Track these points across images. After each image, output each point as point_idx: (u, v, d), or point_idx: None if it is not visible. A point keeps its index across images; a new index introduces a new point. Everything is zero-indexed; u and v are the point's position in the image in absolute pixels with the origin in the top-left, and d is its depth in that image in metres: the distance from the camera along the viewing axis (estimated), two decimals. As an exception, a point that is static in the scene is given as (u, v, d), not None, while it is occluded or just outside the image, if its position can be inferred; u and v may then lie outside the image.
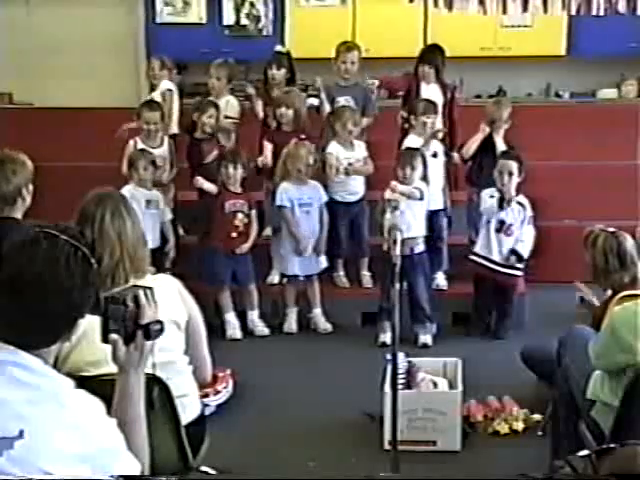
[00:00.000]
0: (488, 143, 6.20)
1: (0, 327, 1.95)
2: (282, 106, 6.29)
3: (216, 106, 6.50)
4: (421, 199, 5.80)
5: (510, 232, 5.77)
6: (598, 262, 3.87)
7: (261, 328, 6.02)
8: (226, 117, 6.71)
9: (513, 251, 5.76)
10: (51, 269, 1.94)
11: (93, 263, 2.02)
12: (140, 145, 6.32)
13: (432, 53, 6.72)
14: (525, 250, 5.81)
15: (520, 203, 5.78)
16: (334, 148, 6.24)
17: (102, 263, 2.63)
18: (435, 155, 6.19)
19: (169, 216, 6.15)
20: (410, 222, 5.67)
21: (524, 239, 5.79)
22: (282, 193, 5.99)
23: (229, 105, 6.84)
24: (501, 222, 5.78)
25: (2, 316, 1.95)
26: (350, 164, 6.19)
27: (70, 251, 1.97)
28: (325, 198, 6.09)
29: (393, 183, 5.80)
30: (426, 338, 5.73)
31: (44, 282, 1.93)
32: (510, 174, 5.71)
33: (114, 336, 2.12)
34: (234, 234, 5.96)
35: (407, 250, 5.50)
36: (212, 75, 6.80)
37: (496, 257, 5.79)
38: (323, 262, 6.10)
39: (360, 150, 6.30)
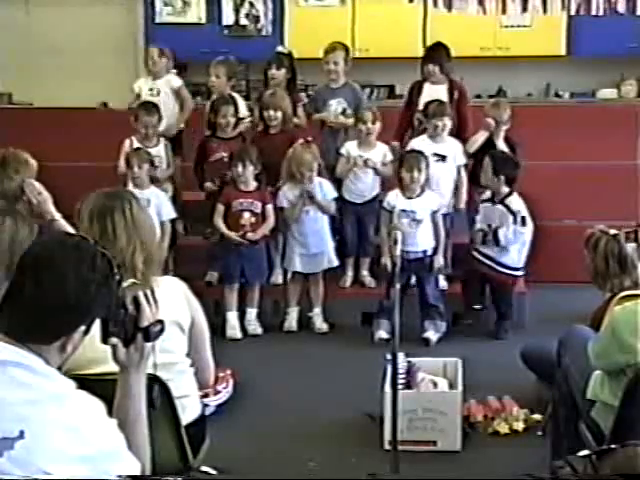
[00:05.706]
0: (490, 144, 6.21)
1: (3, 314, 1.97)
2: (270, 109, 6.20)
3: (232, 102, 6.40)
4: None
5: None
6: (598, 266, 3.86)
7: (254, 327, 5.99)
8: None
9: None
10: (76, 260, 1.98)
11: (116, 272, 2.05)
12: (136, 144, 6.31)
13: (436, 51, 6.67)
14: (521, 253, 5.84)
15: (506, 205, 5.79)
16: (347, 148, 6.22)
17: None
18: (444, 159, 6.17)
19: (169, 215, 6.02)
20: (423, 236, 5.76)
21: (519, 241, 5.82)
22: (283, 195, 5.97)
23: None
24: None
25: (12, 302, 1.96)
26: (366, 160, 6.11)
27: (96, 251, 2.03)
28: (331, 195, 6.00)
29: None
30: (431, 334, 5.71)
31: (65, 270, 1.96)
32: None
33: (113, 340, 2.13)
34: (241, 233, 5.94)
35: (420, 253, 5.68)
36: (211, 73, 6.73)
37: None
38: (334, 261, 6.05)
39: (379, 152, 6.21)
